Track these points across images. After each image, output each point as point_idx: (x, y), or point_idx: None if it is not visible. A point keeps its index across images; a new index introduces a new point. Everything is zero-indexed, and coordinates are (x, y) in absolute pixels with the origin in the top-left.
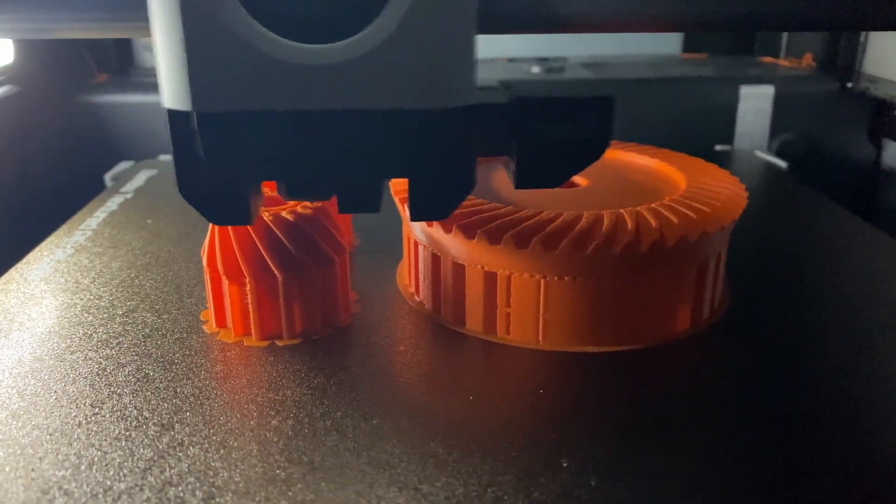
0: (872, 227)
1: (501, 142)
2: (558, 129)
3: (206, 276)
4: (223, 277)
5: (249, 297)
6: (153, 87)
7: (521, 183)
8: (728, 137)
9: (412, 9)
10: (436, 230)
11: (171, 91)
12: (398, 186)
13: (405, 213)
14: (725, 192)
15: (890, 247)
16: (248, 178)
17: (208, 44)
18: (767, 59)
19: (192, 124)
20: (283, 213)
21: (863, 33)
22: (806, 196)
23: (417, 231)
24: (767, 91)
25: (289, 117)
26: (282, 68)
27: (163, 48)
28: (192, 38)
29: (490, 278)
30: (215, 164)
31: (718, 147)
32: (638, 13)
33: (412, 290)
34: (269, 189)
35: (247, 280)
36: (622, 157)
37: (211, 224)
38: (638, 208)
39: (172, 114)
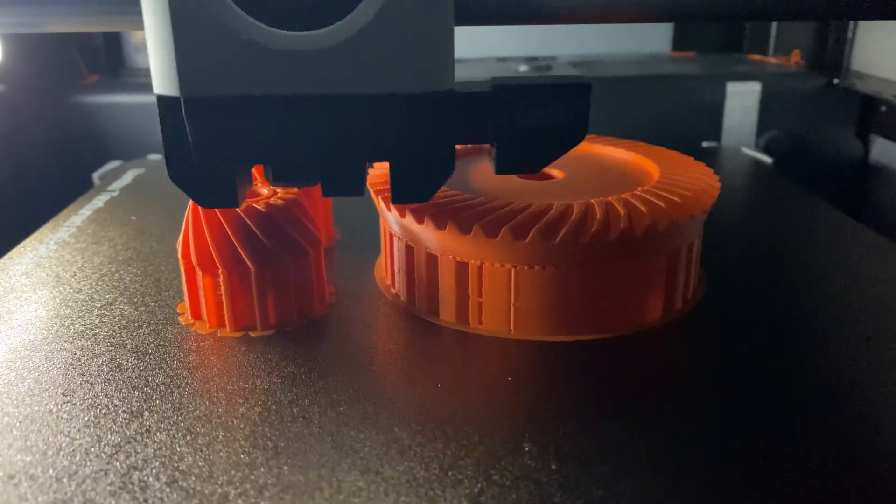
0: (853, 221)
1: (484, 129)
2: (536, 117)
3: (181, 268)
4: (197, 269)
5: (223, 288)
6: (143, 88)
7: (501, 169)
8: (715, 134)
9: None
10: (409, 220)
11: (161, 77)
12: (374, 179)
13: (380, 205)
14: (697, 182)
15: (872, 240)
16: (235, 161)
17: (195, 32)
18: (756, 57)
19: (180, 110)
20: (256, 205)
21: (850, 30)
22: (789, 191)
23: (392, 222)
24: (754, 88)
25: (272, 102)
26: (265, 54)
27: (152, 37)
28: (179, 26)
29: (462, 268)
30: (202, 149)
31: (705, 144)
32: (620, 4)
33: (389, 282)
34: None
35: (220, 271)
36: (598, 149)
37: (186, 216)
38: (608, 198)
39: (162, 100)
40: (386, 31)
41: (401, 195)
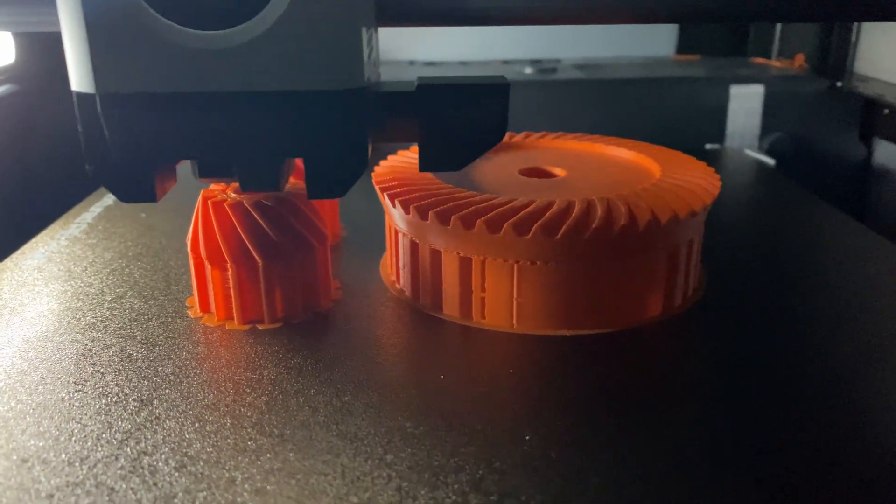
0: (855, 223)
1: (407, 128)
2: (457, 116)
3: (191, 262)
4: (206, 263)
5: (231, 281)
6: None
7: (424, 166)
8: (719, 136)
9: None
10: (413, 217)
11: (77, 75)
12: (380, 177)
13: (386, 202)
14: (698, 181)
15: (873, 242)
16: (150, 157)
17: (109, 30)
18: (759, 60)
19: (96, 106)
20: (265, 200)
21: (854, 33)
22: (792, 193)
23: (397, 219)
24: (757, 90)
25: (185, 99)
26: (177, 52)
27: (68, 35)
28: (93, 25)
29: (465, 264)
30: (118, 144)
31: (709, 146)
32: (543, 6)
33: (393, 278)
34: None
35: (228, 265)
36: (600, 149)
37: (195, 211)
38: (610, 195)
39: (79, 96)
40: (292, 30)
41: (316, 191)
